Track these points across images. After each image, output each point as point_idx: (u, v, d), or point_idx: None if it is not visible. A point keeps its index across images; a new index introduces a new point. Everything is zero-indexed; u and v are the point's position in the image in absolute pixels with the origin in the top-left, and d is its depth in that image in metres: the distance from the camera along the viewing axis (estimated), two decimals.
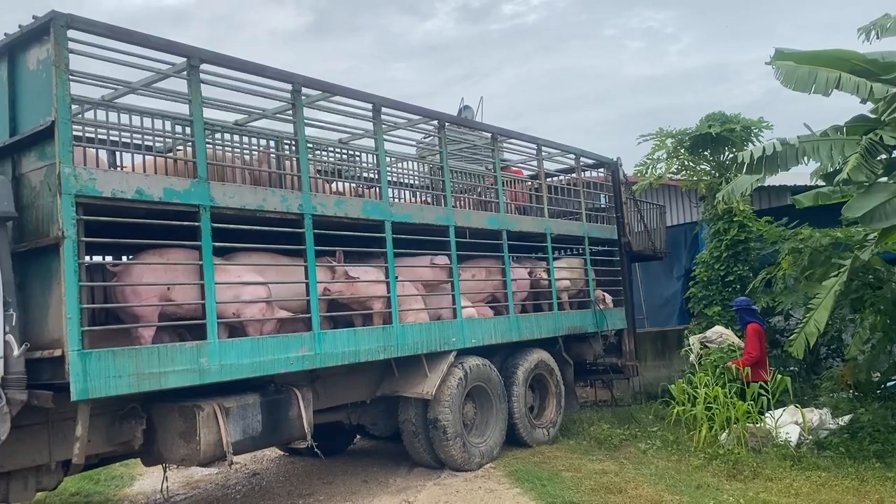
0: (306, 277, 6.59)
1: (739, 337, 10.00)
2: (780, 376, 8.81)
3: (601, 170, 11.74)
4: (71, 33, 5.12)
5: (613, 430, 9.34)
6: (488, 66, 68.32)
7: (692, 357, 10.07)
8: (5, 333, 4.80)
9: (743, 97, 56.74)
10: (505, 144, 9.74)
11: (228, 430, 5.88)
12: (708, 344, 9.85)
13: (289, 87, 6.74)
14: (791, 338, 8.40)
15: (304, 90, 6.91)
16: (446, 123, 8.59)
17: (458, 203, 8.84)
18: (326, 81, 7.11)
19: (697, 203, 13.35)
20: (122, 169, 6.09)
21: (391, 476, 8.01)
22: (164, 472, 6.91)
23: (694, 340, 10.21)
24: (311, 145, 7.31)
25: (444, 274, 8.20)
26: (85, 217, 5.08)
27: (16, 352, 4.81)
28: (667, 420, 9.36)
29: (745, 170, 8.30)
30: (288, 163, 6.95)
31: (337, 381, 7.42)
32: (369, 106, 7.57)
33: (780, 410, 8.59)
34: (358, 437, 9.99)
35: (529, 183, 10.47)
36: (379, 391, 7.86)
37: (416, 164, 9.31)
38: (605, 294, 11.00)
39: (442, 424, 7.74)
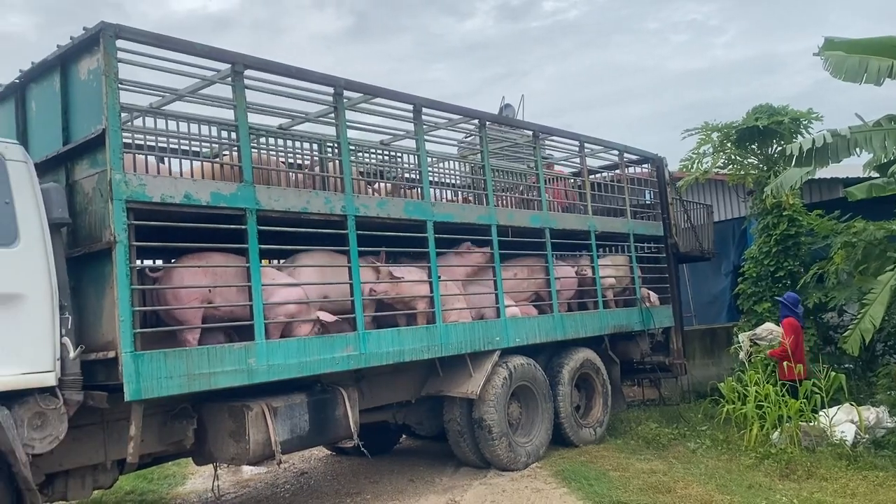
0: (350, 278, 6.65)
1: None
2: (833, 373, 8.59)
3: (646, 166, 11.60)
4: (120, 43, 5.27)
5: (661, 430, 9.21)
6: (529, 63, 68.04)
7: (742, 354, 9.88)
8: (62, 336, 4.95)
9: (791, 88, 55.40)
10: (547, 142, 9.69)
11: (277, 429, 5.97)
12: (758, 341, 9.64)
13: (331, 90, 6.82)
14: (845, 334, 8.19)
15: (346, 93, 6.98)
16: (487, 122, 8.58)
17: (500, 202, 8.83)
18: (368, 84, 7.17)
19: (745, 198, 13.07)
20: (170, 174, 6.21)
21: (437, 475, 8.03)
22: (215, 471, 7.04)
23: (743, 338, 10.01)
24: (353, 147, 7.38)
25: (475, 260, 8.18)
26: (136, 222, 5.21)
27: (72, 354, 4.95)
28: (716, 419, 9.19)
29: (794, 163, 8.14)
30: (331, 165, 7.03)
31: (382, 380, 7.47)
32: (410, 107, 7.61)
33: (835, 408, 8.36)
34: (404, 436, 10.04)
35: (572, 180, 10.39)
36: (423, 391, 7.89)
37: (457, 163, 9.32)
38: (651, 292, 10.86)
39: (487, 424, 7.73)
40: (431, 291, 7.41)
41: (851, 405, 8.36)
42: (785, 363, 8.82)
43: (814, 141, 7.79)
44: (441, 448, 8.82)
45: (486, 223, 8.16)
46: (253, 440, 5.83)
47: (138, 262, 5.69)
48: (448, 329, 7.49)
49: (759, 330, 9.86)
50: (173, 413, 5.96)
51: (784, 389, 8.54)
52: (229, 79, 6.03)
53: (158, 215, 5.43)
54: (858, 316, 7.96)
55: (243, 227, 5.87)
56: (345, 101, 6.95)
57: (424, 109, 7.72)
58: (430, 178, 7.96)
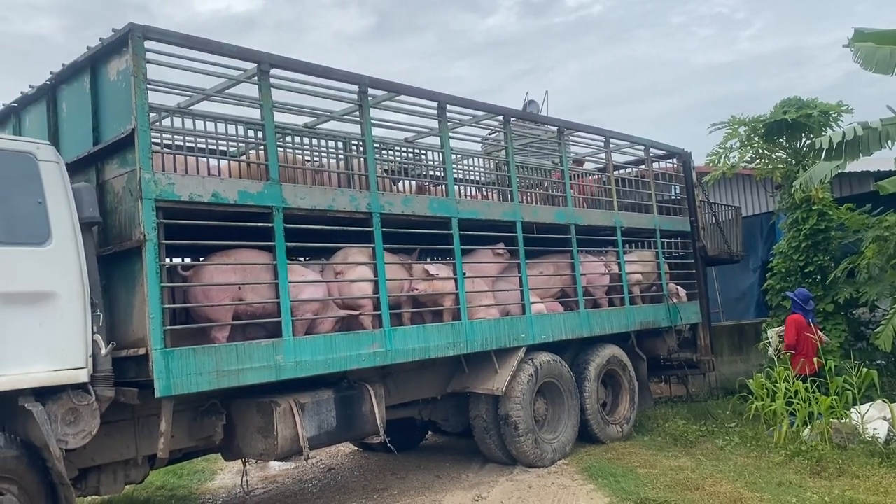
0: (375, 275, 6.68)
1: (822, 330, 9.70)
2: (865, 370, 8.46)
3: (672, 160, 11.50)
4: (148, 44, 5.32)
5: (689, 427, 9.14)
6: (552, 59, 67.87)
7: (770, 351, 9.77)
8: (93, 333, 5.03)
9: (820, 81, 54.69)
10: (572, 137, 9.63)
11: (304, 425, 6.02)
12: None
13: (355, 88, 6.84)
14: (877, 330, 8.06)
15: (371, 91, 7.00)
16: (511, 118, 8.56)
17: (524, 198, 8.79)
18: (392, 81, 7.18)
19: (773, 192, 12.90)
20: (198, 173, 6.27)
21: (463, 472, 8.05)
22: (244, 466, 7.11)
23: (772, 334, 9.90)
24: (377, 145, 7.39)
25: (504, 263, 8.17)
26: (165, 220, 5.27)
27: (103, 351, 5.03)
28: (745, 416, 9.10)
29: (823, 156, 8.03)
30: (356, 163, 7.06)
31: (408, 377, 7.50)
32: (434, 104, 7.61)
33: (867, 405, 8.25)
34: (429, 433, 10.07)
35: (598, 175, 10.34)
36: (449, 387, 7.90)
37: (481, 160, 9.30)
38: (679, 287, 10.77)
39: (513, 420, 7.73)
40: (457, 288, 7.41)
41: (884, 402, 8.24)
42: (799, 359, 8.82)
43: (844, 133, 7.68)
44: (467, 444, 8.83)
45: (510, 220, 8.14)
46: (281, 436, 5.89)
47: (167, 259, 5.75)
48: (473, 326, 7.49)
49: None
50: (203, 409, 6.04)
51: (815, 385, 8.44)
52: (255, 78, 6.08)
53: (187, 214, 5.49)
54: (891, 311, 7.82)
55: (270, 224, 5.92)
56: (369, 98, 6.98)
57: (448, 106, 7.71)
58: (455, 175, 7.95)
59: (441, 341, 7.14)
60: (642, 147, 10.63)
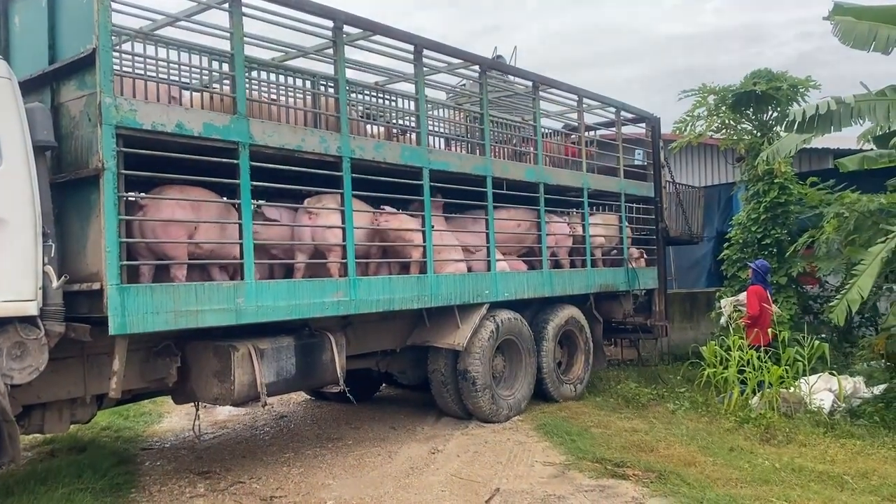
0: (343, 222, 6.47)
1: (775, 302, 9.87)
2: (816, 342, 8.65)
3: (641, 125, 11.46)
4: None
5: (641, 389, 9.25)
6: (519, 18, 67.11)
7: (723, 319, 9.92)
8: (44, 264, 4.74)
9: (776, 59, 55.54)
10: (544, 94, 9.47)
11: (263, 371, 5.84)
12: (740, 307, 9.68)
13: (330, 23, 6.53)
14: (832, 304, 8.20)
15: (346, 28, 6.69)
16: (488, 70, 8.33)
17: (495, 154, 8.64)
18: (368, 19, 6.87)
19: (734, 163, 13.01)
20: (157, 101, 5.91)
21: (419, 424, 8.00)
22: (197, 410, 6.90)
23: (726, 303, 10.04)
24: (349, 89, 7.10)
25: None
26: (125, 149, 4.96)
27: (54, 283, 4.75)
28: (696, 382, 9.25)
29: (795, 128, 8.05)
30: (324, 101, 6.77)
31: (369, 328, 7.36)
32: (411, 48, 7.34)
33: (815, 377, 8.46)
34: (384, 385, 9.99)
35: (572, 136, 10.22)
36: (410, 340, 7.80)
37: (454, 111, 9.08)
38: (641, 251, 10.83)
39: (471, 376, 7.69)
40: (425, 240, 7.26)
41: (831, 374, 8.45)
42: (754, 329, 8.95)
43: (817, 107, 7.70)
44: (421, 397, 8.79)
45: (481, 174, 7.98)
46: (238, 381, 5.70)
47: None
48: (438, 280, 7.36)
49: (741, 296, 9.90)
50: (156, 350, 5.81)
51: (767, 356, 8.60)
52: (227, 5, 5.73)
53: (148, 143, 5.17)
54: (847, 286, 7.96)
55: (235, 161, 5.63)
56: (344, 35, 6.67)
57: (425, 51, 7.45)
58: (428, 126, 7.72)
59: (405, 293, 7.01)
60: (613, 109, 10.53)
